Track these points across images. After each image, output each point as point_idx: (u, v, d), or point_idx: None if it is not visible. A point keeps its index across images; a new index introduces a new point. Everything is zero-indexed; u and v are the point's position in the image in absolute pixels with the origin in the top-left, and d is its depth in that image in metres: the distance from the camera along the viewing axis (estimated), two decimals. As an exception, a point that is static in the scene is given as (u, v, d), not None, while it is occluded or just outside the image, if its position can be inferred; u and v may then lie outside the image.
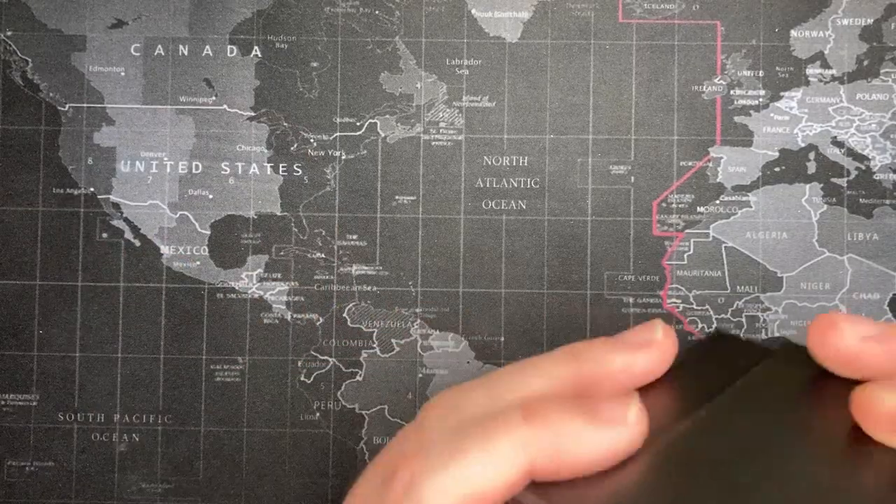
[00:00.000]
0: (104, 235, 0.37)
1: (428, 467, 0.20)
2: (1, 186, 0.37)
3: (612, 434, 0.20)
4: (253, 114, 0.37)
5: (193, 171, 0.37)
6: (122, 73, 0.37)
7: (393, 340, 0.36)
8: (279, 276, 0.36)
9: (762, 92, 0.37)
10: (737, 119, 0.37)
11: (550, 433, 0.20)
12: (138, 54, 0.37)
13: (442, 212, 0.37)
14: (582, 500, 0.20)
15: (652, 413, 0.21)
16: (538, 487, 0.21)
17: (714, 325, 0.36)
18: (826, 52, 0.37)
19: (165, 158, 0.37)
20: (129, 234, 0.37)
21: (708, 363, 0.25)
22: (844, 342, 0.21)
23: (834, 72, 0.37)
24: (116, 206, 0.37)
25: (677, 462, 0.21)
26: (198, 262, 0.37)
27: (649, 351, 0.23)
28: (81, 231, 0.37)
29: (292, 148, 0.37)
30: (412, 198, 0.37)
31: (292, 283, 0.36)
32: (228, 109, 0.37)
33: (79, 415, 0.36)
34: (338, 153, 0.37)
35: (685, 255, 0.36)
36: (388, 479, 0.21)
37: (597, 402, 0.21)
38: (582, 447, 0.20)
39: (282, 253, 0.37)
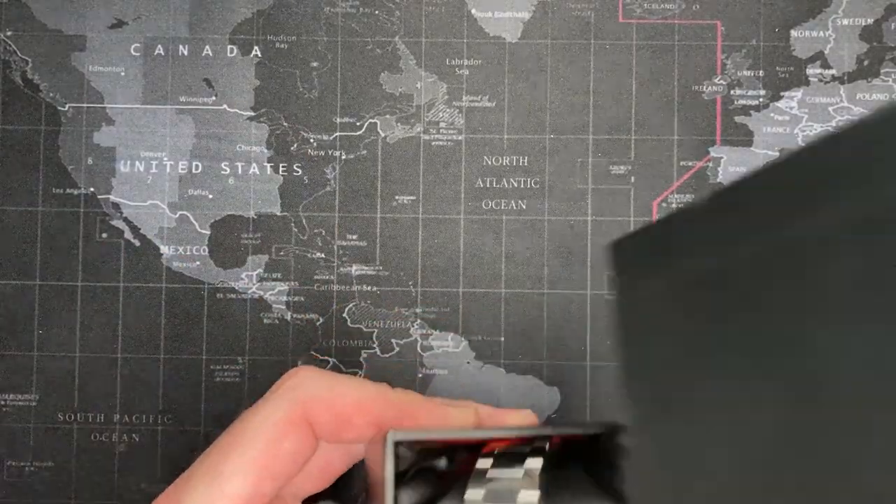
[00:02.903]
0: (104, 235, 0.37)
1: (312, 374, 0.27)
2: (1, 186, 0.37)
3: (445, 413, 0.27)
4: (253, 114, 0.37)
5: (193, 171, 0.37)
6: (122, 73, 0.37)
7: (393, 340, 0.36)
8: (279, 276, 0.36)
9: (762, 92, 0.37)
10: (737, 119, 0.37)
11: (405, 398, 0.27)
12: (138, 54, 0.37)
13: (442, 212, 0.37)
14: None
15: None
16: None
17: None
18: (826, 52, 0.37)
19: (165, 158, 0.37)
20: (128, 234, 0.37)
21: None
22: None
23: (834, 72, 0.37)
24: (116, 206, 0.37)
25: None
26: (198, 262, 0.37)
27: (504, 414, 0.29)
28: (81, 231, 0.37)
29: (292, 148, 0.37)
30: (412, 198, 0.37)
31: (292, 283, 0.36)
32: (228, 109, 0.37)
33: (79, 415, 0.36)
34: (338, 153, 0.37)
35: (685, 255, 0.36)
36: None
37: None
38: (419, 414, 0.27)
39: (282, 253, 0.37)
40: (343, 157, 0.37)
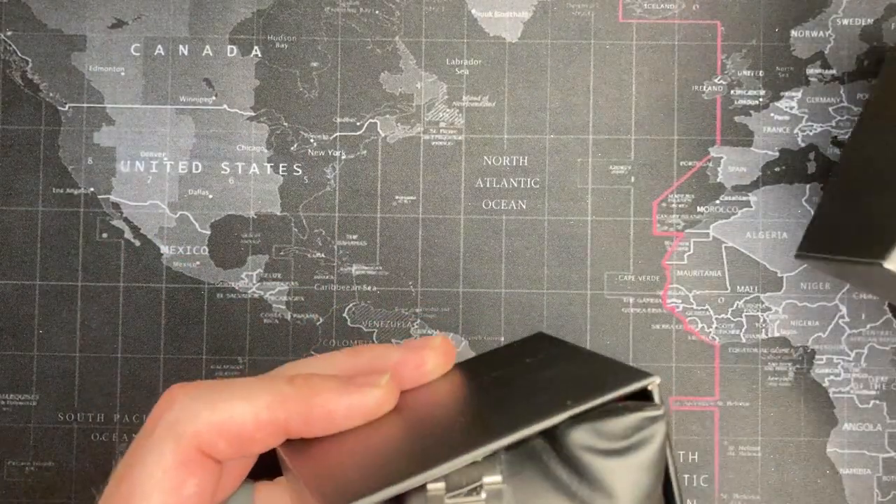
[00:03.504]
0: (104, 235, 0.37)
1: (189, 397, 0.23)
2: (1, 186, 0.37)
3: (361, 396, 0.24)
4: (253, 114, 0.37)
5: (193, 170, 0.37)
6: (122, 73, 0.37)
7: (393, 340, 0.36)
8: (279, 276, 0.36)
9: (762, 92, 0.37)
10: (737, 119, 0.37)
11: (307, 391, 0.23)
12: (138, 54, 0.37)
13: (442, 212, 0.37)
14: (322, 450, 0.23)
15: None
16: (292, 443, 0.24)
17: (712, 326, 0.36)
18: (826, 51, 0.37)
19: (165, 158, 0.37)
20: (128, 234, 0.37)
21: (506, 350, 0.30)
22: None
23: (834, 72, 0.37)
24: (116, 205, 0.37)
25: (417, 416, 0.24)
26: (198, 262, 0.37)
27: (422, 354, 0.26)
28: (81, 231, 0.37)
29: (292, 148, 0.37)
30: (412, 198, 0.37)
31: (292, 283, 0.36)
32: (228, 109, 0.37)
33: (79, 415, 0.36)
34: (338, 153, 0.37)
35: (685, 255, 0.36)
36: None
37: (355, 376, 0.25)
38: (333, 405, 0.23)
39: (282, 253, 0.37)
40: (343, 157, 0.37)
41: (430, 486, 0.21)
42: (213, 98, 0.37)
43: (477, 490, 0.21)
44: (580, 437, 0.22)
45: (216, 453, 0.23)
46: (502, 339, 0.36)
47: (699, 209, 0.37)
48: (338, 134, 0.37)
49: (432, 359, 0.26)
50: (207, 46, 0.37)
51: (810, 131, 0.37)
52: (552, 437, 0.22)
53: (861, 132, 0.34)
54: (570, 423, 0.22)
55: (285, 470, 0.25)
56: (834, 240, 0.31)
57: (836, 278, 0.33)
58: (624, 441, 0.22)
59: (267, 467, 0.26)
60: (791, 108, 0.37)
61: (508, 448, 0.22)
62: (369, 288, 0.36)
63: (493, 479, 0.21)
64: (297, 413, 0.23)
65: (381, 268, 0.37)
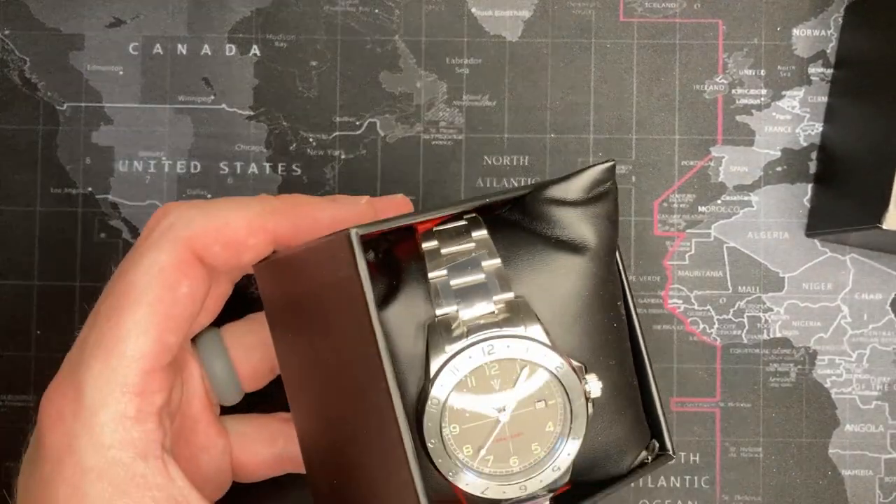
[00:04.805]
0: (102, 235, 0.36)
1: (183, 208, 0.25)
2: (-1, 186, 0.37)
3: (344, 207, 0.26)
4: (252, 113, 0.37)
5: (192, 170, 0.37)
6: (121, 72, 0.37)
7: (393, 341, 0.36)
8: (278, 276, 0.36)
9: (764, 91, 0.37)
10: (738, 118, 0.37)
11: (295, 201, 0.26)
12: (136, 53, 0.37)
13: (442, 212, 0.36)
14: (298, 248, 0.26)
15: None
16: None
17: (715, 326, 0.36)
18: (828, 50, 0.37)
19: (164, 158, 0.37)
20: (127, 234, 0.36)
21: None
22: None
23: (836, 71, 0.37)
24: (115, 205, 0.36)
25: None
26: (196, 263, 0.36)
27: (386, 202, 0.29)
28: (79, 231, 0.36)
29: (291, 147, 0.37)
30: (412, 198, 0.36)
31: (291, 284, 0.36)
32: (227, 109, 0.37)
33: (77, 415, 0.36)
34: (337, 153, 0.37)
35: (686, 255, 0.36)
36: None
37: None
38: (318, 213, 0.26)
39: (281, 253, 0.36)
40: (342, 157, 0.37)
41: (424, 246, 0.24)
42: (212, 97, 0.37)
43: (467, 240, 0.24)
44: (548, 195, 0.26)
45: (210, 257, 0.24)
46: (502, 339, 0.36)
47: (700, 209, 0.36)
48: (337, 133, 0.37)
49: (394, 210, 0.28)
50: (206, 45, 0.37)
51: (812, 131, 0.36)
52: (523, 209, 0.26)
53: (835, 106, 0.37)
54: (537, 193, 0.26)
55: (267, 287, 0.27)
56: (834, 213, 0.34)
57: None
58: (587, 193, 0.26)
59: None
60: (793, 107, 0.37)
61: (486, 221, 0.25)
62: (369, 288, 0.36)
63: (479, 233, 0.25)
64: (286, 219, 0.25)
65: (380, 268, 0.36)
